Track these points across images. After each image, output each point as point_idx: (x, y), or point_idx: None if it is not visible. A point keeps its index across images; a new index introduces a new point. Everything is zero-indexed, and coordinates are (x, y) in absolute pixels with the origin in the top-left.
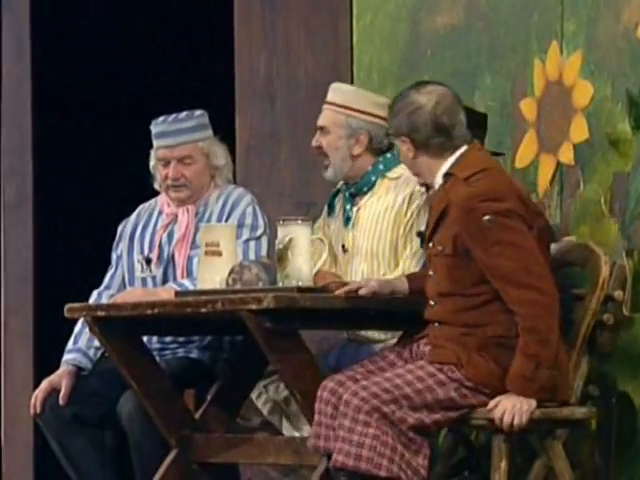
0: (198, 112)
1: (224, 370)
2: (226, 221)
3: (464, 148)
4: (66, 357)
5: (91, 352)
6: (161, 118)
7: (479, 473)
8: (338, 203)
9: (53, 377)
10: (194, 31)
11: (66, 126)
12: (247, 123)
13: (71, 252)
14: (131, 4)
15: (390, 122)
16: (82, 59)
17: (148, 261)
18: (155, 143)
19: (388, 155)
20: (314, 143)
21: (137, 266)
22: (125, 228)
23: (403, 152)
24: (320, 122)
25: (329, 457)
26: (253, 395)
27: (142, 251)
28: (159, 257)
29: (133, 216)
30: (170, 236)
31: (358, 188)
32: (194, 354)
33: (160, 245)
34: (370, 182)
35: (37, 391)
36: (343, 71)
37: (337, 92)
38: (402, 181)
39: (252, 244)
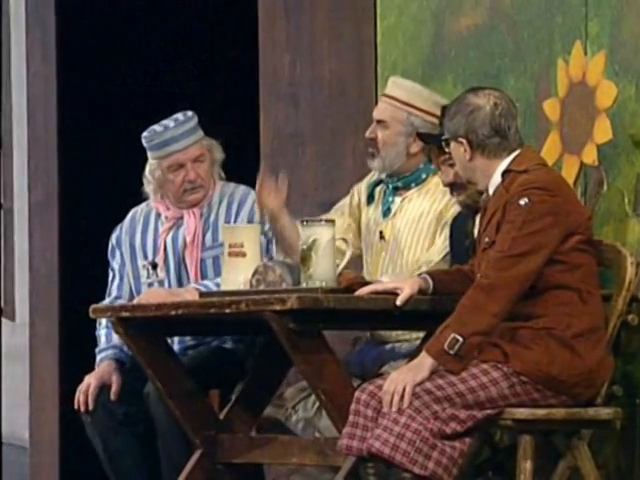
0: (189, 113)
1: (252, 367)
2: (235, 220)
3: (519, 151)
4: (104, 354)
5: (125, 348)
6: (157, 128)
7: (504, 473)
8: (379, 193)
9: (101, 373)
10: (219, 32)
11: (92, 127)
12: (271, 124)
13: (97, 253)
14: (156, 5)
15: (446, 125)
16: (108, 60)
17: (154, 266)
18: (162, 152)
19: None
20: (369, 134)
21: (142, 272)
22: (121, 235)
23: (459, 154)
24: (379, 115)
25: (361, 459)
26: (282, 417)
27: (145, 256)
28: (165, 261)
29: (127, 221)
30: (175, 239)
31: (406, 183)
32: (228, 345)
33: (165, 249)
34: (419, 179)
35: (86, 387)
36: (367, 72)
37: (399, 87)
38: None
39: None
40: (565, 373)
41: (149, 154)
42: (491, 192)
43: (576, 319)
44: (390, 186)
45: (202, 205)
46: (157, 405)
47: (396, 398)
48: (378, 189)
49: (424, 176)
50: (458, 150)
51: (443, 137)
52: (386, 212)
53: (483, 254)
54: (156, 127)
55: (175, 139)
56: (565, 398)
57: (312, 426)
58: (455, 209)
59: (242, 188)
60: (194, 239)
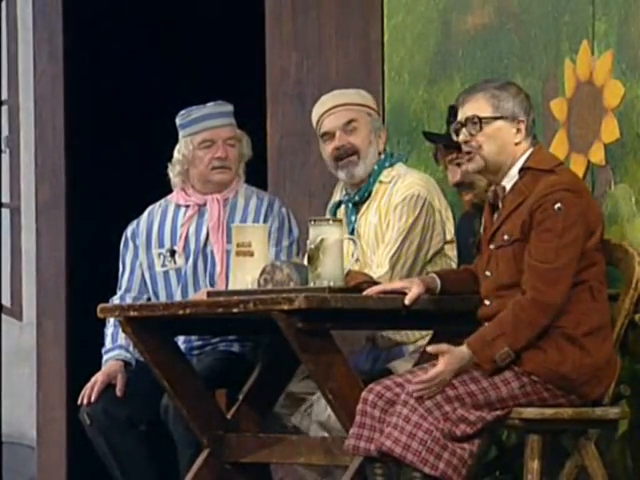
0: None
1: (259, 366)
2: (264, 220)
3: (532, 149)
4: (110, 354)
5: (131, 349)
6: (195, 106)
7: (511, 473)
8: (340, 214)
9: (108, 372)
10: (225, 32)
11: (99, 126)
12: (278, 123)
13: (104, 252)
14: (163, 5)
15: (499, 104)
16: (115, 59)
17: (172, 253)
18: (196, 127)
19: (382, 156)
20: (339, 142)
21: (157, 261)
22: (138, 228)
23: (507, 135)
24: (344, 119)
25: (368, 459)
26: (295, 420)
27: (161, 245)
28: (184, 249)
29: (144, 215)
30: (198, 228)
31: (360, 196)
32: (235, 348)
33: (187, 237)
34: (369, 188)
35: (92, 383)
36: (374, 71)
37: (343, 95)
38: (391, 184)
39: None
40: (575, 371)
41: (182, 132)
42: (508, 187)
43: (586, 317)
44: (350, 205)
45: (226, 194)
46: (176, 420)
47: (426, 392)
48: (339, 211)
49: (371, 180)
50: (508, 130)
51: (497, 116)
52: (351, 233)
53: (499, 252)
54: (194, 106)
55: (211, 116)
56: (574, 397)
57: (325, 429)
58: (400, 194)
59: (266, 192)
60: (218, 226)
